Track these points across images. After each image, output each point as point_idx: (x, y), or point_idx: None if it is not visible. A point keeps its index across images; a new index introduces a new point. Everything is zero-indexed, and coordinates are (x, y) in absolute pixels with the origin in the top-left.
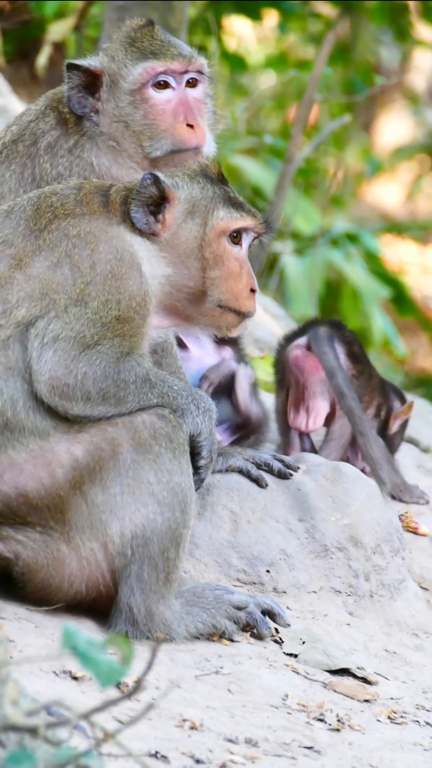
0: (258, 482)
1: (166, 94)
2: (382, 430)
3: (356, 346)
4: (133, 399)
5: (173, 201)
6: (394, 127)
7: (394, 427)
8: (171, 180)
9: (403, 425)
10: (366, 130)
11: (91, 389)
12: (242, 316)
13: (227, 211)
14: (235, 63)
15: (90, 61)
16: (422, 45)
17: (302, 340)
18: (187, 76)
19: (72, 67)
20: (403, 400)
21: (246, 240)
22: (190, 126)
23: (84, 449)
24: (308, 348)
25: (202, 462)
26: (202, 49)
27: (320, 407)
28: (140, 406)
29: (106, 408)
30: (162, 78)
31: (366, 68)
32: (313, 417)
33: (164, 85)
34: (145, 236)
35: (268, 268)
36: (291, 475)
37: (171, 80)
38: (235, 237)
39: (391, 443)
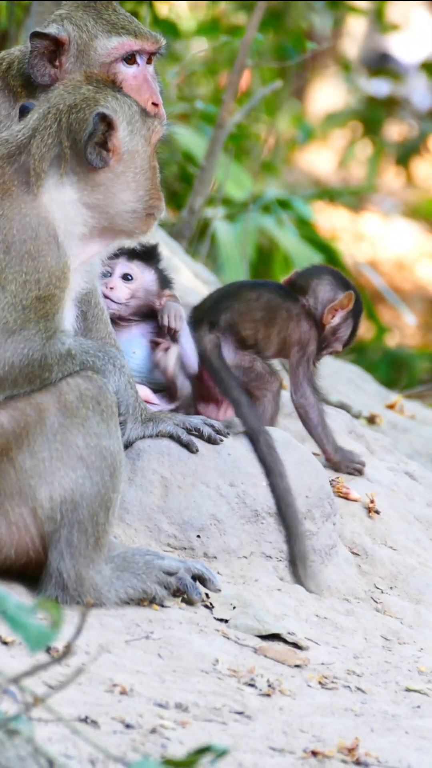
0: (188, 447)
1: (133, 69)
2: (318, 332)
3: (238, 327)
4: (56, 375)
5: (116, 129)
6: (326, 94)
7: (333, 320)
8: (110, 110)
9: (351, 322)
10: (299, 96)
11: (18, 376)
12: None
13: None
14: (167, 29)
15: (55, 30)
16: (354, 11)
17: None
18: (150, 55)
19: (37, 35)
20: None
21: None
22: (155, 105)
23: (9, 415)
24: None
25: (120, 419)
26: (134, 15)
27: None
28: (63, 377)
29: (31, 387)
30: (132, 54)
31: (298, 34)
32: (224, 409)
33: (132, 61)
34: (82, 177)
35: (198, 234)
36: (221, 440)
37: (138, 57)
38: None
39: (336, 341)
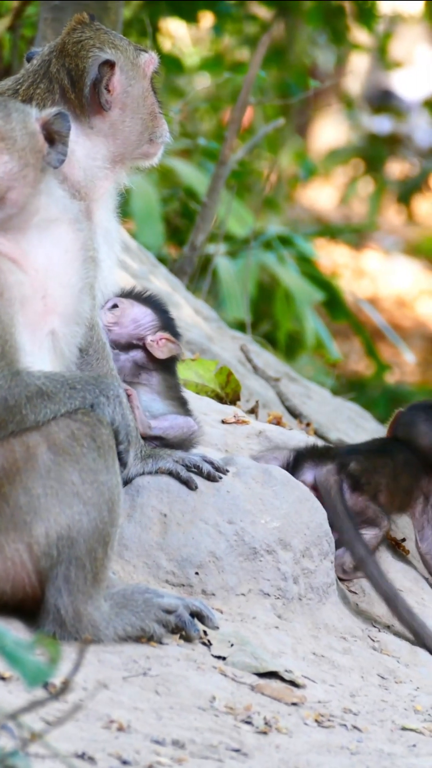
0: (188, 484)
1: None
2: None
3: (364, 479)
4: (32, 416)
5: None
6: (329, 131)
7: None
8: (109, 54)
9: None
10: (301, 133)
11: None
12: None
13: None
14: (171, 65)
15: (107, 55)
16: (357, 48)
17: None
18: None
19: (106, 63)
20: None
21: None
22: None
23: None
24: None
25: (121, 447)
26: None
27: None
28: (45, 419)
29: (6, 432)
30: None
31: (301, 71)
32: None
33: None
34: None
35: (200, 270)
36: (220, 477)
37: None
38: None
39: None
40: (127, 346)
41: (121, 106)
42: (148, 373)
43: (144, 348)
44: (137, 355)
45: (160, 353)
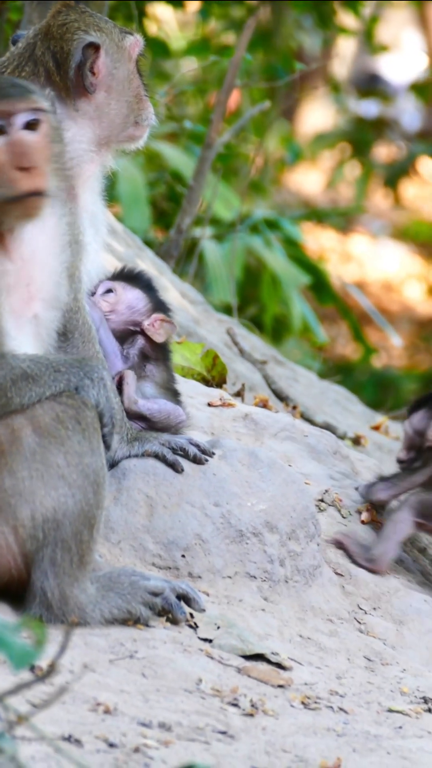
0: (174, 467)
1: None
2: None
3: None
4: (17, 399)
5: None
6: (316, 115)
7: None
8: (94, 37)
9: None
10: (288, 117)
11: None
12: (27, 197)
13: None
14: (157, 48)
15: (91, 37)
16: (344, 32)
17: None
18: None
19: (90, 46)
20: None
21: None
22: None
23: None
24: None
25: (105, 430)
26: None
27: None
28: (30, 402)
29: None
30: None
31: (287, 55)
32: None
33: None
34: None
35: (186, 254)
36: (206, 460)
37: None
38: None
39: None
40: (125, 333)
41: (106, 89)
42: (152, 365)
43: (143, 333)
44: (141, 343)
45: (159, 336)
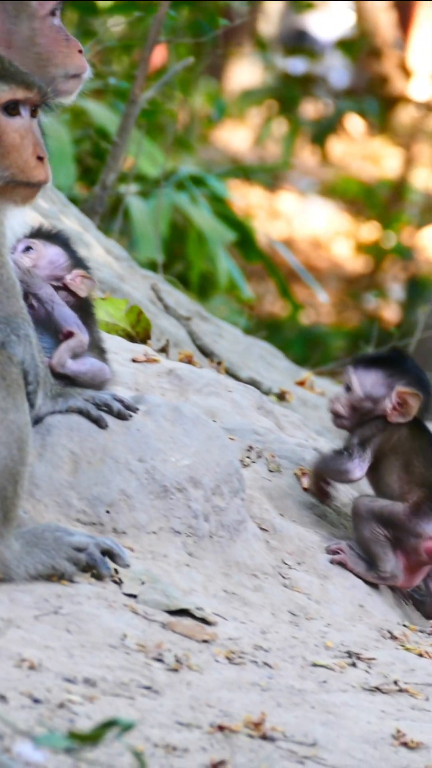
0: (98, 423)
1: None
2: None
3: None
4: None
5: None
6: (244, 73)
7: None
8: None
9: None
10: (216, 75)
11: None
12: (35, 186)
13: None
14: (85, 8)
15: None
16: None
17: None
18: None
19: None
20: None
21: (25, 111)
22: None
23: None
24: None
25: (30, 388)
26: None
27: None
28: None
29: None
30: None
31: (213, 11)
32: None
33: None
34: None
35: (112, 211)
36: (131, 416)
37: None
38: (12, 109)
39: None
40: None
41: (6, 45)
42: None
43: (65, 288)
44: (66, 297)
45: (81, 291)
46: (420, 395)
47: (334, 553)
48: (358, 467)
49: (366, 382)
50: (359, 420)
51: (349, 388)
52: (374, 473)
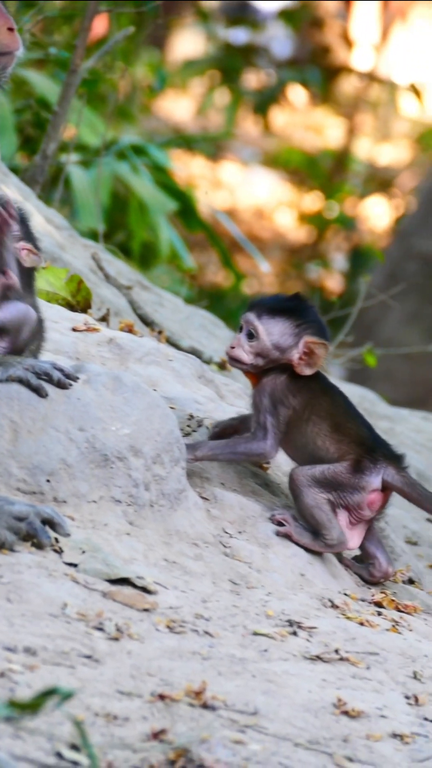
0: (38, 392)
1: None
2: None
3: None
4: None
5: None
6: (186, 43)
7: None
8: None
9: None
10: (159, 45)
11: None
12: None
13: None
14: None
15: None
16: None
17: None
18: None
19: None
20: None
21: None
22: (11, 30)
23: None
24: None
25: None
26: None
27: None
28: None
29: None
30: None
31: None
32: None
33: None
34: None
35: (53, 180)
36: (71, 384)
37: None
38: None
39: None
40: None
41: None
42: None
43: None
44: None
45: (25, 261)
46: (327, 345)
47: (279, 523)
48: (272, 447)
49: (273, 330)
50: (262, 368)
51: (251, 335)
52: (301, 442)
